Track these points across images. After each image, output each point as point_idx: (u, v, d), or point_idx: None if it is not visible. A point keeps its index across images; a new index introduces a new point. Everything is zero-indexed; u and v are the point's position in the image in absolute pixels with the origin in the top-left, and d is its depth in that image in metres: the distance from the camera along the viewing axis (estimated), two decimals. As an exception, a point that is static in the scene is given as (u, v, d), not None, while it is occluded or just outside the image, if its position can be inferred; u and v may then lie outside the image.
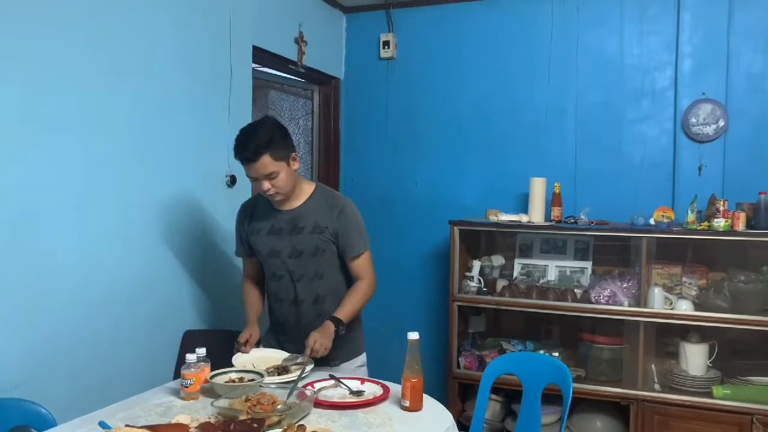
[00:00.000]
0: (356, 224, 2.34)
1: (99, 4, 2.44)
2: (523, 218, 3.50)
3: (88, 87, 2.41)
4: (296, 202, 2.33)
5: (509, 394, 3.43)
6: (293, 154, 2.26)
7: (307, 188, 2.36)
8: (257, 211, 2.41)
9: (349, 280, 2.38)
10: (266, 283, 2.47)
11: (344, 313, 2.25)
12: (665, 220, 3.19)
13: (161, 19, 2.76)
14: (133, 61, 2.61)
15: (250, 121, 3.37)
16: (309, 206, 2.32)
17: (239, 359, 2.23)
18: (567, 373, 2.35)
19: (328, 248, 2.32)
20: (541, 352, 3.40)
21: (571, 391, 2.29)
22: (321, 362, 2.25)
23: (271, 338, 2.48)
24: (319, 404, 1.91)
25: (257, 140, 2.15)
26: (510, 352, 3.43)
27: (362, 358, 2.46)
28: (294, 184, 2.28)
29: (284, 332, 2.43)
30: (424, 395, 1.95)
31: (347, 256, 2.33)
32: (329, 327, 2.21)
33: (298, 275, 2.33)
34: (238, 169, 3.24)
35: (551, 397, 2.50)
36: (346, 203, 2.35)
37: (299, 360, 2.18)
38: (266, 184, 2.19)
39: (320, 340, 2.15)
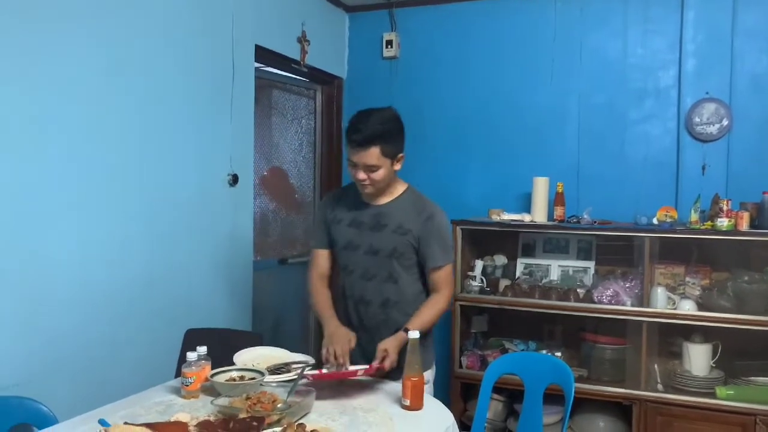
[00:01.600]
0: (442, 234, 2.22)
1: (99, 3, 2.45)
2: (526, 218, 3.49)
3: (89, 86, 2.41)
4: (384, 199, 2.24)
5: (511, 394, 3.42)
6: (401, 155, 2.19)
7: (399, 187, 2.27)
8: (344, 200, 2.32)
9: (425, 291, 2.28)
10: (337, 277, 2.36)
11: (416, 325, 2.09)
12: (668, 220, 3.17)
13: (163, 18, 2.76)
14: (134, 60, 2.62)
15: (252, 120, 3.39)
16: (396, 206, 2.24)
17: (240, 358, 2.22)
18: (569, 372, 2.34)
19: (407, 252, 2.21)
20: (544, 352, 3.39)
21: (573, 391, 2.28)
22: (381, 376, 2.14)
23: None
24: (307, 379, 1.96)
25: (371, 128, 2.07)
26: (512, 352, 3.42)
27: (427, 374, 2.18)
28: (389, 181, 2.21)
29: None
30: (425, 394, 1.95)
31: (428, 266, 2.21)
32: (401, 338, 2.07)
33: (371, 274, 2.23)
34: (240, 168, 3.26)
35: (553, 397, 2.49)
36: (436, 211, 2.24)
37: (302, 360, 2.18)
38: (362, 174, 2.12)
39: (392, 354, 2.04)
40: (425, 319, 2.15)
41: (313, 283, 2.39)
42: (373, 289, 2.24)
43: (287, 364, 2.18)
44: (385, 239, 2.21)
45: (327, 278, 2.42)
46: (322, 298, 2.34)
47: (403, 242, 2.20)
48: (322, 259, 2.39)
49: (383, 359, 2.03)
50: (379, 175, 2.13)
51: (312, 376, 2.00)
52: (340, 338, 2.11)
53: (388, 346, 2.06)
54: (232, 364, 2.14)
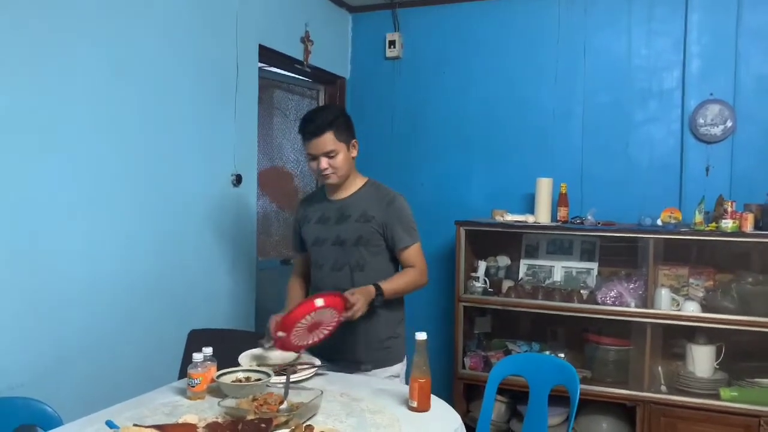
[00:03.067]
0: (405, 216, 2.32)
1: (104, 4, 2.44)
2: (530, 219, 3.49)
3: (93, 87, 2.41)
4: (346, 193, 2.34)
5: (514, 395, 3.42)
6: (354, 141, 2.31)
7: (359, 181, 2.37)
8: (311, 201, 2.46)
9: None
10: (312, 274, 2.45)
11: (387, 285, 2.22)
12: (672, 221, 3.17)
13: (167, 19, 2.76)
14: (139, 61, 2.61)
15: (255, 119, 3.38)
16: (358, 196, 2.33)
17: (244, 359, 2.22)
18: (574, 374, 2.34)
19: (373, 239, 2.29)
20: (547, 353, 3.39)
21: (579, 392, 2.27)
22: (351, 367, 2.26)
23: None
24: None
25: (323, 117, 2.20)
26: (515, 353, 3.42)
27: (397, 368, 2.36)
28: (350, 170, 2.31)
29: None
30: (432, 396, 1.94)
31: (396, 248, 2.30)
32: (369, 290, 2.16)
33: (340, 264, 2.31)
34: (244, 168, 3.26)
35: (557, 399, 2.48)
36: (396, 196, 2.35)
37: (305, 359, 2.18)
38: (324, 162, 2.22)
39: (361, 299, 2.09)
40: (396, 284, 2.26)
41: (288, 284, 2.56)
42: (344, 279, 2.30)
43: (293, 365, 2.17)
44: (349, 229, 2.30)
45: (306, 279, 2.54)
46: (291, 294, 2.51)
47: (368, 229, 2.28)
48: (300, 262, 2.54)
49: (349, 304, 2.06)
50: (339, 160, 2.23)
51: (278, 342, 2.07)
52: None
53: (356, 292, 2.11)
54: (236, 364, 2.13)
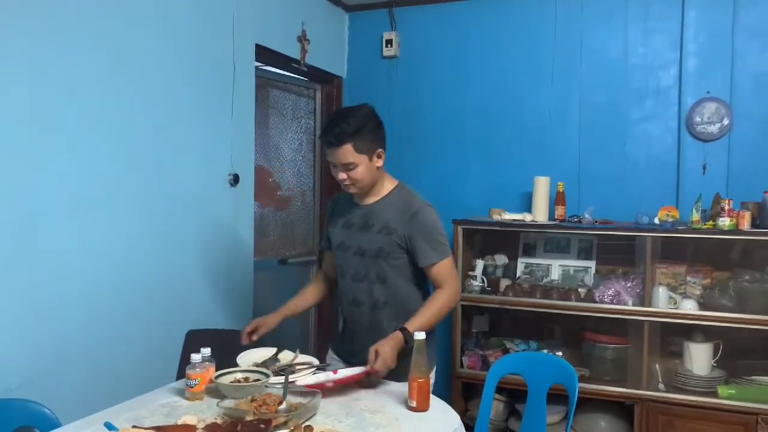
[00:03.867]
0: (430, 230, 2.15)
1: (102, 3, 2.43)
2: (527, 217, 3.49)
3: (91, 86, 2.40)
4: (372, 198, 2.22)
5: (513, 394, 3.42)
6: (380, 150, 2.16)
7: (388, 185, 2.23)
8: (342, 201, 2.33)
9: (421, 294, 2.22)
10: (338, 279, 2.36)
11: (416, 324, 2.02)
12: (670, 219, 3.18)
13: (164, 18, 2.75)
14: (136, 60, 2.60)
15: (252, 119, 3.37)
16: (383, 205, 2.20)
17: (243, 359, 2.21)
18: (573, 372, 2.34)
19: (395, 252, 2.16)
20: (545, 351, 3.39)
21: (577, 391, 2.28)
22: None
23: (340, 339, 2.40)
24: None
25: (344, 126, 2.06)
26: (513, 352, 3.42)
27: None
28: (373, 179, 2.17)
29: (348, 334, 2.33)
30: (431, 395, 1.94)
31: (420, 264, 2.15)
32: (396, 338, 2.01)
33: (361, 275, 2.20)
34: (242, 168, 3.25)
35: (555, 397, 2.49)
36: (422, 207, 2.18)
37: (299, 359, 2.19)
38: (342, 174, 2.12)
39: (383, 356, 1.95)
40: (425, 318, 2.07)
41: (312, 282, 2.53)
42: (364, 291, 2.21)
43: (291, 365, 2.17)
44: (371, 239, 2.18)
45: (330, 279, 2.45)
46: (304, 289, 2.49)
47: (389, 242, 2.15)
48: (328, 259, 2.45)
49: (375, 362, 1.96)
50: (358, 173, 2.11)
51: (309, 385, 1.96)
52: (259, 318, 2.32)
53: (380, 347, 1.98)
54: (234, 365, 2.13)
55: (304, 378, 2.05)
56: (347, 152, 2.07)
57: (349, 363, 2.24)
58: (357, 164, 2.09)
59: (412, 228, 2.14)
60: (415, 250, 2.15)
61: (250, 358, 2.23)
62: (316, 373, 2.10)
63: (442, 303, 2.13)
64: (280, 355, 2.27)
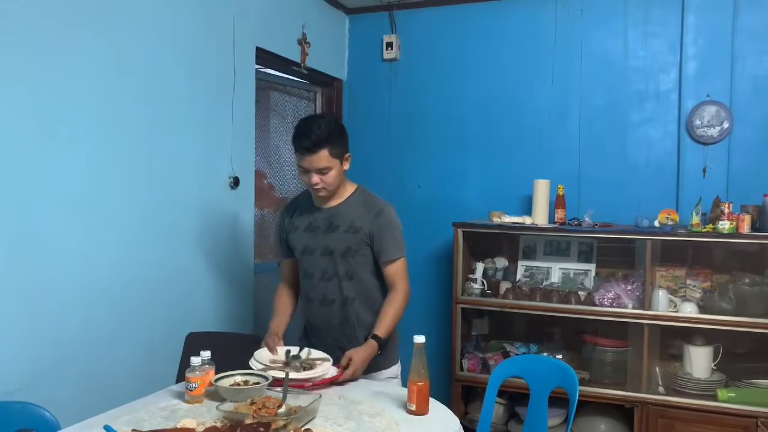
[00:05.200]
0: (392, 228, 2.30)
1: (102, 6, 2.44)
2: (527, 220, 3.49)
3: (91, 90, 2.41)
4: (335, 201, 2.31)
5: (512, 397, 3.42)
6: (347, 154, 2.27)
7: (349, 188, 2.34)
8: (299, 208, 2.40)
9: (382, 285, 2.34)
10: (300, 282, 2.44)
11: (383, 329, 2.21)
12: (669, 223, 3.18)
13: (165, 21, 2.75)
14: (136, 64, 2.61)
15: (252, 122, 3.38)
16: (347, 206, 2.30)
17: (260, 355, 2.20)
18: (574, 375, 2.33)
19: (361, 250, 2.28)
20: (545, 354, 3.39)
21: (578, 394, 2.27)
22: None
23: (303, 341, 2.42)
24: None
25: (320, 133, 2.14)
26: (513, 355, 3.42)
27: (393, 370, 2.39)
28: (341, 182, 2.29)
29: (314, 334, 2.40)
30: (430, 399, 1.94)
31: (381, 260, 2.29)
32: (371, 347, 2.18)
33: (329, 275, 2.30)
34: (242, 171, 3.25)
35: (554, 400, 2.48)
36: (385, 206, 2.33)
37: (321, 356, 2.21)
38: (315, 178, 2.19)
39: (354, 364, 2.11)
40: (389, 322, 2.24)
41: (276, 293, 2.51)
42: (334, 288, 2.31)
43: (309, 360, 2.17)
44: (338, 239, 2.27)
45: (294, 286, 2.51)
46: (277, 305, 2.47)
47: (356, 240, 2.27)
48: (287, 267, 2.49)
49: (346, 367, 2.11)
50: (331, 176, 2.20)
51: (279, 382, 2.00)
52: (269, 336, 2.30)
53: (355, 354, 2.13)
54: (234, 368, 2.12)
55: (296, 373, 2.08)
56: (323, 157, 2.16)
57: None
58: (330, 168, 2.19)
59: (376, 225, 2.27)
60: (379, 247, 2.28)
61: (264, 355, 2.22)
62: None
63: (399, 304, 2.28)
64: (300, 352, 2.25)
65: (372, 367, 2.26)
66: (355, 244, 2.27)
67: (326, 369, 2.13)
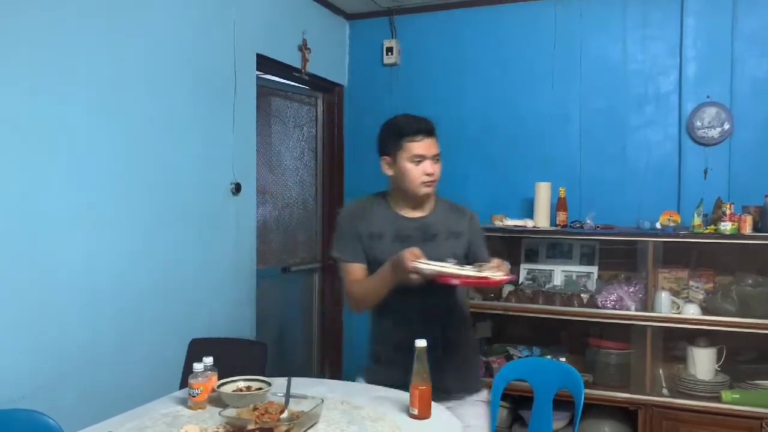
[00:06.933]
0: (482, 233, 2.25)
1: (103, 12, 2.45)
2: (529, 223, 3.49)
3: (92, 96, 2.42)
4: (425, 210, 2.16)
5: (516, 401, 3.41)
6: None
7: (432, 196, 2.19)
8: (374, 214, 2.16)
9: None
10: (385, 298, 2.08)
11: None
12: (671, 224, 3.18)
13: (166, 28, 2.77)
14: (137, 71, 2.62)
15: (254, 128, 3.39)
16: (438, 215, 2.16)
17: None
18: (578, 378, 2.34)
19: (461, 256, 2.11)
20: (548, 357, 3.39)
21: (583, 396, 2.27)
22: (442, 396, 2.02)
23: (373, 370, 2.19)
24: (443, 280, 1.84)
25: (428, 120, 2.07)
26: (516, 358, 3.42)
27: (485, 393, 2.25)
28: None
29: (394, 358, 2.11)
30: (433, 403, 1.94)
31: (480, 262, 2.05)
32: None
33: (434, 287, 1.96)
34: (243, 176, 3.26)
35: (558, 403, 2.48)
36: (472, 211, 2.25)
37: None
38: (431, 167, 2.05)
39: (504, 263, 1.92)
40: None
41: (351, 284, 2.14)
42: (439, 303, 2.13)
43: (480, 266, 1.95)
44: (441, 248, 2.09)
45: None
46: (367, 278, 2.12)
47: (459, 246, 2.14)
48: (357, 271, 2.14)
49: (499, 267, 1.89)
50: (439, 168, 2.09)
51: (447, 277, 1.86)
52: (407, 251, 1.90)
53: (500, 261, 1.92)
54: (237, 374, 2.11)
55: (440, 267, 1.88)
56: (436, 143, 2.08)
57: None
58: (439, 158, 2.09)
59: (473, 230, 2.20)
60: (476, 252, 2.16)
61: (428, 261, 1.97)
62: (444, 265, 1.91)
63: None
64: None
65: (467, 390, 2.17)
66: (459, 250, 2.13)
67: (492, 273, 1.89)
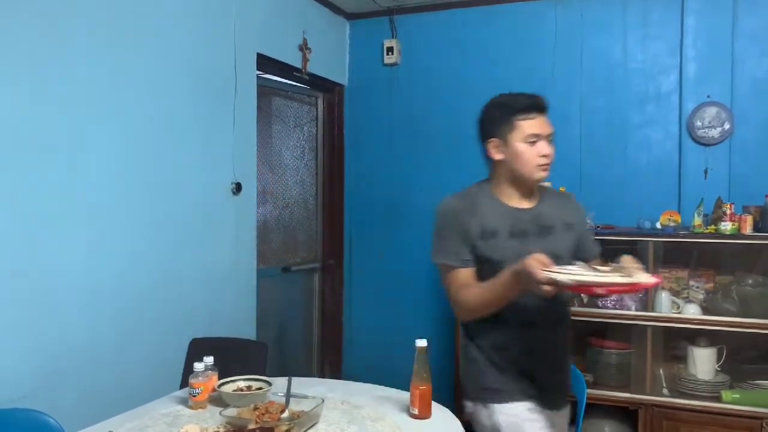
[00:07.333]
0: (589, 222, 2.04)
1: (103, 12, 2.45)
2: (529, 223, 3.49)
3: (92, 96, 2.42)
4: (535, 199, 1.92)
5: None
6: None
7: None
8: (484, 208, 1.87)
9: None
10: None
11: None
12: (671, 224, 3.18)
13: (166, 27, 2.77)
14: (138, 71, 2.62)
15: (254, 128, 3.40)
16: (548, 204, 1.93)
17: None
18: (580, 378, 2.33)
19: (572, 252, 1.91)
20: (549, 357, 3.39)
21: (585, 396, 2.27)
22: (552, 406, 1.92)
23: (503, 383, 1.88)
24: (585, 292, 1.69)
25: (540, 95, 1.86)
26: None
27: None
28: None
29: (515, 367, 1.88)
30: (433, 402, 1.95)
31: (588, 258, 1.92)
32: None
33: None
34: (243, 176, 3.26)
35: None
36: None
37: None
38: (547, 147, 1.83)
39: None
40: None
41: (461, 291, 1.85)
42: (560, 307, 1.92)
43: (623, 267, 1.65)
44: (559, 242, 1.88)
45: None
46: (479, 284, 1.83)
47: (574, 239, 1.93)
48: (470, 277, 1.85)
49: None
50: (554, 149, 1.86)
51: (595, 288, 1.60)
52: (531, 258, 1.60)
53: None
54: (237, 374, 2.12)
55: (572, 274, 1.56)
56: (549, 121, 1.87)
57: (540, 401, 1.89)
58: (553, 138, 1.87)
59: (581, 221, 2.00)
60: (585, 242, 1.99)
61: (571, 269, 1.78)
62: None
63: None
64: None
65: (567, 403, 2.03)
66: (574, 244, 1.92)
67: (641, 276, 1.61)
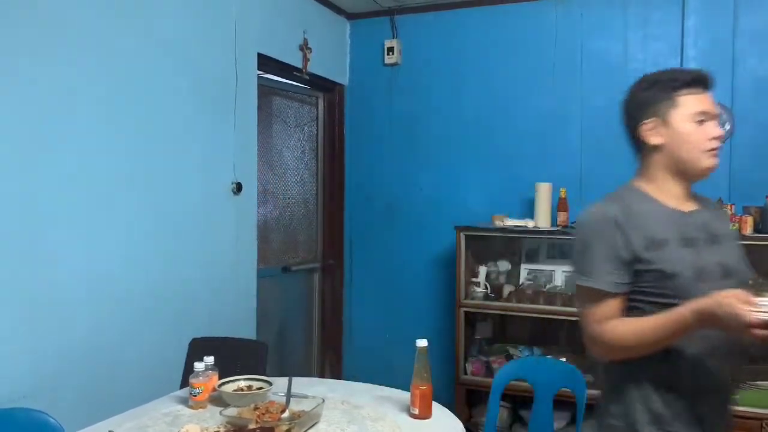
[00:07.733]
0: None
1: (104, 12, 2.45)
2: (529, 223, 3.49)
3: (93, 97, 2.42)
4: (692, 202, 1.56)
5: (517, 400, 3.41)
6: None
7: None
8: (642, 215, 1.49)
9: None
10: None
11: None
12: (672, 225, 3.17)
13: (167, 27, 2.77)
14: (139, 70, 2.62)
15: (255, 127, 3.39)
16: (705, 207, 1.59)
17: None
18: (580, 377, 2.34)
19: None
20: (549, 357, 3.39)
21: (586, 395, 2.27)
22: None
23: None
24: None
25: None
26: (517, 358, 3.42)
27: None
28: None
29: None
30: (433, 402, 1.95)
31: (746, 278, 1.50)
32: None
33: None
34: (244, 176, 3.26)
35: (557, 402, 2.49)
36: None
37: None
38: (717, 129, 1.52)
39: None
40: None
41: (610, 326, 1.43)
42: (735, 347, 1.49)
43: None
44: (730, 253, 1.53)
45: None
46: (633, 320, 1.43)
47: (740, 251, 1.59)
48: (618, 309, 1.46)
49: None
50: None
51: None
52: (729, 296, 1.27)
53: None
54: (237, 373, 2.12)
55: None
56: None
57: None
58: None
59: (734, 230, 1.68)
60: (745, 259, 1.60)
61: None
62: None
63: None
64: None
65: None
66: (741, 258, 1.56)
67: None
